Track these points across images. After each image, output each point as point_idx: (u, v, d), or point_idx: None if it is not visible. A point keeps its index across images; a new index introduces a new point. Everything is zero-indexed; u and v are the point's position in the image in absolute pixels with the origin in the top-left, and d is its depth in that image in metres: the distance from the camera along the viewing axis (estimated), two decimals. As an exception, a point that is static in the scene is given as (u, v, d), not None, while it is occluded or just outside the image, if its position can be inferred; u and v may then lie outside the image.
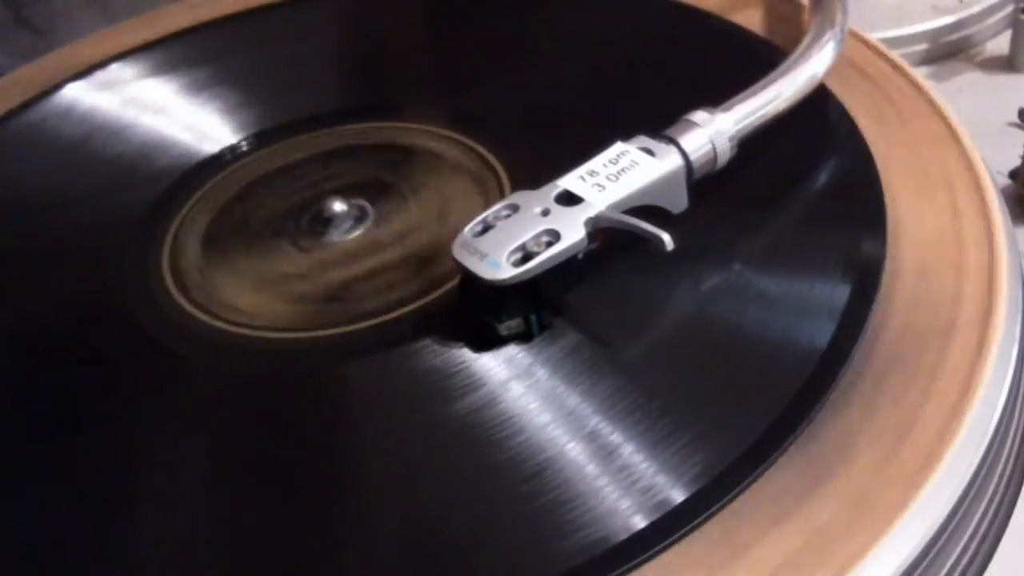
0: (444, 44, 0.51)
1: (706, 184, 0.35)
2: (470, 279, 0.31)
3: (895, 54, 0.43)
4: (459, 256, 0.31)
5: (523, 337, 0.32)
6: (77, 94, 0.49)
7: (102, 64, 0.50)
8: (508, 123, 0.43)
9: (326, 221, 0.39)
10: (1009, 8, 0.65)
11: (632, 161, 0.33)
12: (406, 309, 0.34)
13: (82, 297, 0.38)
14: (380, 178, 0.41)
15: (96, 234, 0.41)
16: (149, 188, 0.42)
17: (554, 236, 0.31)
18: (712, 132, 0.34)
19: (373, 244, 0.38)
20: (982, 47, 0.65)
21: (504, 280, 0.30)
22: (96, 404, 0.33)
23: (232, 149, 0.44)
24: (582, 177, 0.33)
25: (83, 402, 0.33)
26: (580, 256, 0.32)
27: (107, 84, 0.49)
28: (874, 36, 0.44)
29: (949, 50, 0.64)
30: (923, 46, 0.64)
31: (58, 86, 0.49)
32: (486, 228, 0.32)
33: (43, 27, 0.72)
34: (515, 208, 0.32)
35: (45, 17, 0.72)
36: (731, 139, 0.35)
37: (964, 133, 0.38)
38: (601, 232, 0.32)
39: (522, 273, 0.31)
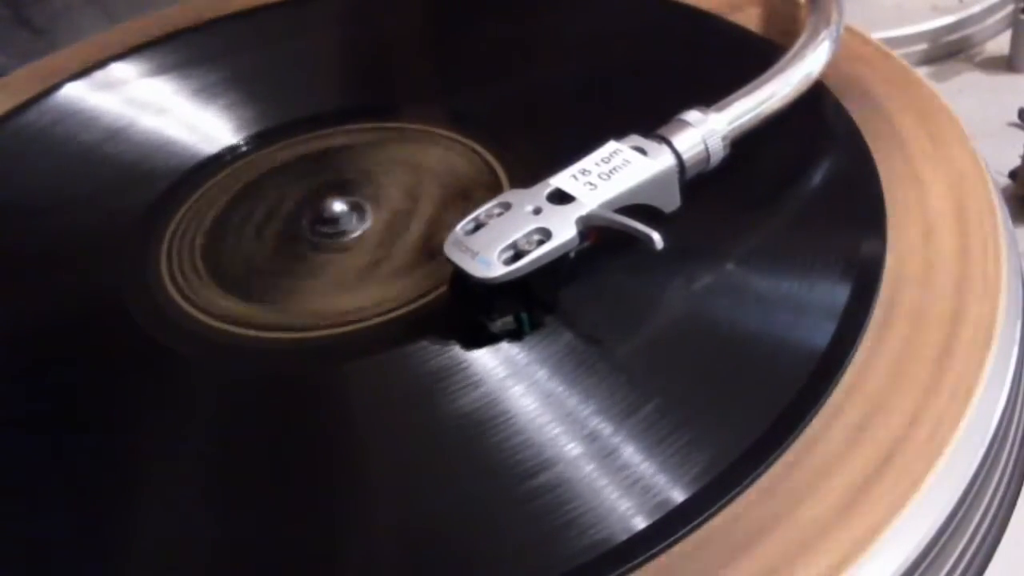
0: (444, 44, 0.51)
1: (708, 183, 0.35)
2: (462, 277, 0.31)
3: (894, 53, 0.43)
4: (451, 254, 0.31)
5: (514, 335, 0.32)
6: (77, 94, 0.49)
7: (102, 64, 0.50)
8: (507, 123, 0.43)
9: (326, 221, 0.39)
10: (1009, 8, 0.65)
11: (624, 160, 0.33)
12: (405, 310, 0.34)
13: (82, 297, 0.38)
14: (380, 179, 0.41)
15: (96, 234, 0.41)
16: (149, 188, 0.42)
17: (545, 235, 0.31)
18: (705, 131, 0.34)
19: (370, 244, 0.38)
20: (982, 47, 0.65)
21: (495, 278, 0.30)
22: (95, 404, 0.33)
23: (232, 149, 0.44)
24: (574, 176, 0.33)
25: (82, 402, 0.33)
26: (572, 255, 0.32)
27: (107, 84, 0.49)
28: (874, 36, 0.44)
29: (949, 50, 0.64)
30: (923, 46, 0.64)
31: (58, 86, 0.49)
32: (478, 226, 0.32)
33: (43, 27, 0.72)
34: (507, 206, 0.32)
35: (45, 17, 0.72)
36: (724, 138, 0.35)
37: (964, 133, 0.38)
38: (593, 231, 0.32)
39: (513, 271, 0.31)
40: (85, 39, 0.54)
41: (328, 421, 0.32)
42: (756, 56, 0.40)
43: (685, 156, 0.34)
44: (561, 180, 0.33)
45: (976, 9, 0.64)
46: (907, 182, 0.36)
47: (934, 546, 0.27)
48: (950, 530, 0.27)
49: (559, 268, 0.32)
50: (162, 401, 0.33)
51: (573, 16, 0.49)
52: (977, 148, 0.38)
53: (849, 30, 0.42)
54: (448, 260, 0.32)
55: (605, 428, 0.29)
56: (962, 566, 0.28)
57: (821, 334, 0.30)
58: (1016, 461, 0.31)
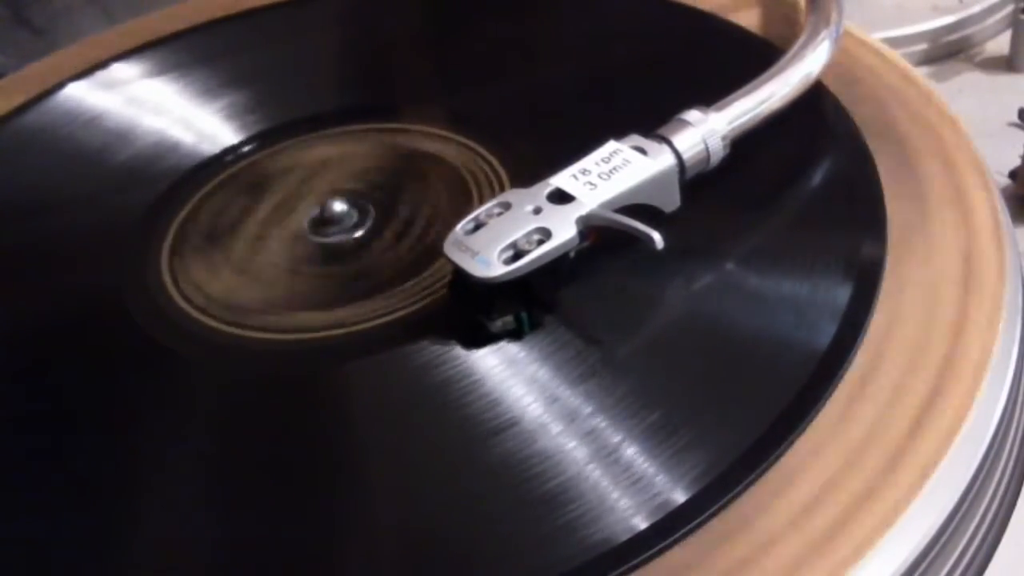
0: (444, 44, 0.51)
1: (708, 183, 0.35)
2: (461, 277, 0.31)
3: (894, 53, 0.43)
4: (450, 254, 0.31)
5: (514, 335, 0.32)
6: (77, 94, 0.49)
7: (102, 64, 0.50)
8: (508, 123, 0.43)
9: (327, 221, 0.39)
10: (1009, 8, 0.65)
11: (624, 160, 0.33)
12: (405, 311, 0.34)
13: (82, 297, 0.38)
14: (380, 179, 0.41)
15: (96, 234, 0.41)
16: (149, 188, 0.42)
17: (545, 234, 0.31)
18: (705, 131, 0.34)
19: (371, 245, 0.38)
20: (982, 47, 0.65)
21: (495, 278, 0.30)
22: (95, 404, 0.33)
23: (233, 149, 0.44)
24: (574, 175, 0.33)
25: (82, 402, 0.33)
26: (572, 255, 0.32)
27: (107, 84, 0.49)
28: (874, 36, 0.44)
29: (949, 50, 0.64)
30: (923, 46, 0.64)
31: (58, 86, 0.49)
32: (478, 226, 0.32)
33: (43, 27, 0.72)
34: (507, 206, 0.32)
35: (45, 17, 0.72)
36: (724, 138, 0.35)
37: (964, 133, 0.38)
38: (593, 231, 0.32)
39: (513, 271, 0.31)
40: (85, 39, 0.54)
41: (328, 421, 0.32)
42: (756, 56, 0.40)
43: (685, 156, 0.34)
44: (561, 180, 0.33)
45: (976, 9, 0.64)
46: (907, 182, 0.36)
47: (934, 546, 0.27)
48: (950, 530, 0.27)
49: (559, 268, 0.32)
50: (162, 401, 0.33)
51: (573, 16, 0.49)
52: (977, 148, 0.38)
53: (848, 30, 0.42)
54: (448, 260, 0.32)
55: (606, 428, 0.29)
56: (962, 566, 0.28)
57: (822, 334, 0.30)
58: (1016, 461, 0.31)
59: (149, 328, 0.35)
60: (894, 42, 0.61)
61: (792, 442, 0.28)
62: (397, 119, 0.44)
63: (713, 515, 0.26)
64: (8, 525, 0.30)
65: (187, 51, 0.51)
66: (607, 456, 0.28)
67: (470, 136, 0.42)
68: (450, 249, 0.32)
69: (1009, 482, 0.31)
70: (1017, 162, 0.53)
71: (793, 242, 0.35)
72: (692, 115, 0.35)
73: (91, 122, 0.47)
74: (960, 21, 0.64)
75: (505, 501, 0.27)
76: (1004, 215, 0.35)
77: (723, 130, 0.35)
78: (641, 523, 0.26)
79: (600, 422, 0.29)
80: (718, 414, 0.29)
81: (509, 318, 0.31)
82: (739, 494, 0.27)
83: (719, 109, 0.35)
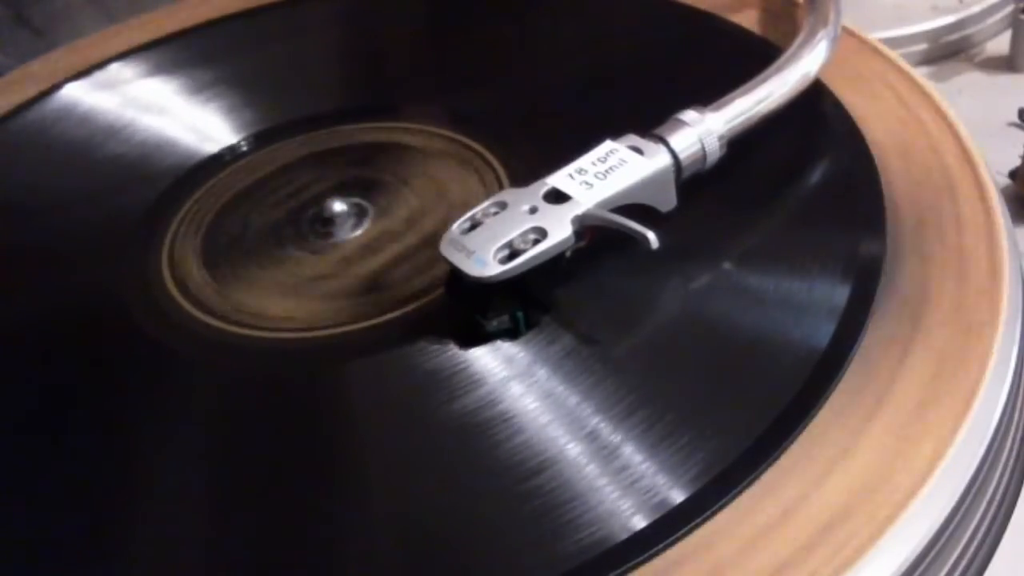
0: (443, 44, 0.51)
1: (706, 183, 0.35)
2: (458, 276, 0.31)
3: (894, 53, 0.43)
4: (447, 253, 0.31)
5: (510, 334, 0.32)
6: (77, 94, 0.49)
7: (102, 64, 0.50)
8: (507, 122, 0.43)
9: (327, 221, 0.39)
10: (1009, 8, 0.65)
11: (620, 159, 0.33)
12: (403, 311, 0.34)
13: (82, 297, 0.38)
14: (379, 178, 0.41)
15: (96, 234, 0.41)
16: (149, 188, 0.42)
17: (541, 234, 0.31)
18: (702, 131, 0.34)
19: (370, 244, 0.38)
20: (982, 47, 0.65)
21: (491, 277, 0.30)
22: (95, 404, 0.33)
23: (232, 149, 0.44)
24: (570, 175, 0.33)
25: (82, 402, 0.33)
26: (568, 254, 0.32)
27: (107, 84, 0.49)
28: (874, 36, 0.44)
29: (949, 50, 0.64)
30: (923, 46, 0.64)
31: (58, 86, 0.49)
32: (474, 225, 0.32)
33: (43, 27, 0.72)
34: (503, 205, 0.33)
35: (45, 17, 0.72)
36: (721, 138, 0.35)
37: (964, 133, 0.38)
38: (589, 230, 0.32)
39: (508, 270, 0.31)
40: (85, 39, 0.55)
41: (328, 421, 0.32)
42: (755, 56, 0.40)
43: (681, 156, 0.34)
44: (557, 179, 0.33)
45: (976, 9, 0.64)
46: (907, 182, 0.36)
47: (934, 546, 0.27)
48: (950, 530, 0.27)
49: (555, 267, 0.32)
50: (162, 401, 0.33)
51: (573, 16, 0.49)
52: (977, 148, 0.38)
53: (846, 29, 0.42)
54: (444, 259, 0.32)
55: (604, 428, 0.29)
56: (962, 566, 0.28)
57: (821, 334, 0.30)
58: (1016, 461, 0.31)
59: (149, 328, 0.35)
60: (894, 42, 0.61)
61: (791, 442, 0.28)
62: (397, 119, 0.44)
63: (712, 515, 0.26)
64: (8, 525, 0.30)
65: (187, 50, 0.51)
66: (606, 455, 0.28)
67: (471, 136, 0.42)
68: (446, 248, 0.32)
69: (1009, 482, 0.31)
70: (1017, 162, 0.53)
71: (792, 241, 0.35)
72: (689, 115, 0.35)
73: (91, 122, 0.47)
74: (960, 21, 0.64)
75: (504, 500, 0.27)
76: (1004, 215, 0.35)
77: (720, 130, 0.35)
78: (640, 522, 0.26)
79: (598, 421, 0.29)
80: (717, 413, 0.29)
81: (505, 317, 0.31)
82: (738, 494, 0.27)
83: (716, 109, 0.35)
